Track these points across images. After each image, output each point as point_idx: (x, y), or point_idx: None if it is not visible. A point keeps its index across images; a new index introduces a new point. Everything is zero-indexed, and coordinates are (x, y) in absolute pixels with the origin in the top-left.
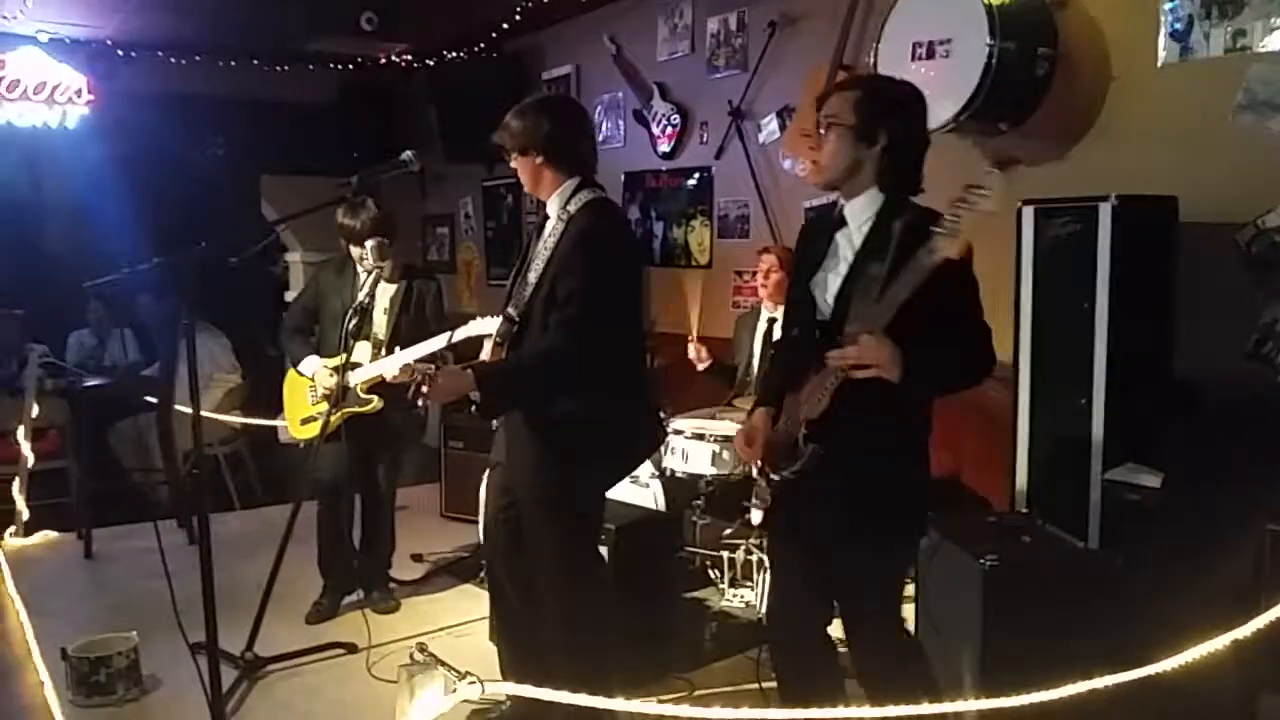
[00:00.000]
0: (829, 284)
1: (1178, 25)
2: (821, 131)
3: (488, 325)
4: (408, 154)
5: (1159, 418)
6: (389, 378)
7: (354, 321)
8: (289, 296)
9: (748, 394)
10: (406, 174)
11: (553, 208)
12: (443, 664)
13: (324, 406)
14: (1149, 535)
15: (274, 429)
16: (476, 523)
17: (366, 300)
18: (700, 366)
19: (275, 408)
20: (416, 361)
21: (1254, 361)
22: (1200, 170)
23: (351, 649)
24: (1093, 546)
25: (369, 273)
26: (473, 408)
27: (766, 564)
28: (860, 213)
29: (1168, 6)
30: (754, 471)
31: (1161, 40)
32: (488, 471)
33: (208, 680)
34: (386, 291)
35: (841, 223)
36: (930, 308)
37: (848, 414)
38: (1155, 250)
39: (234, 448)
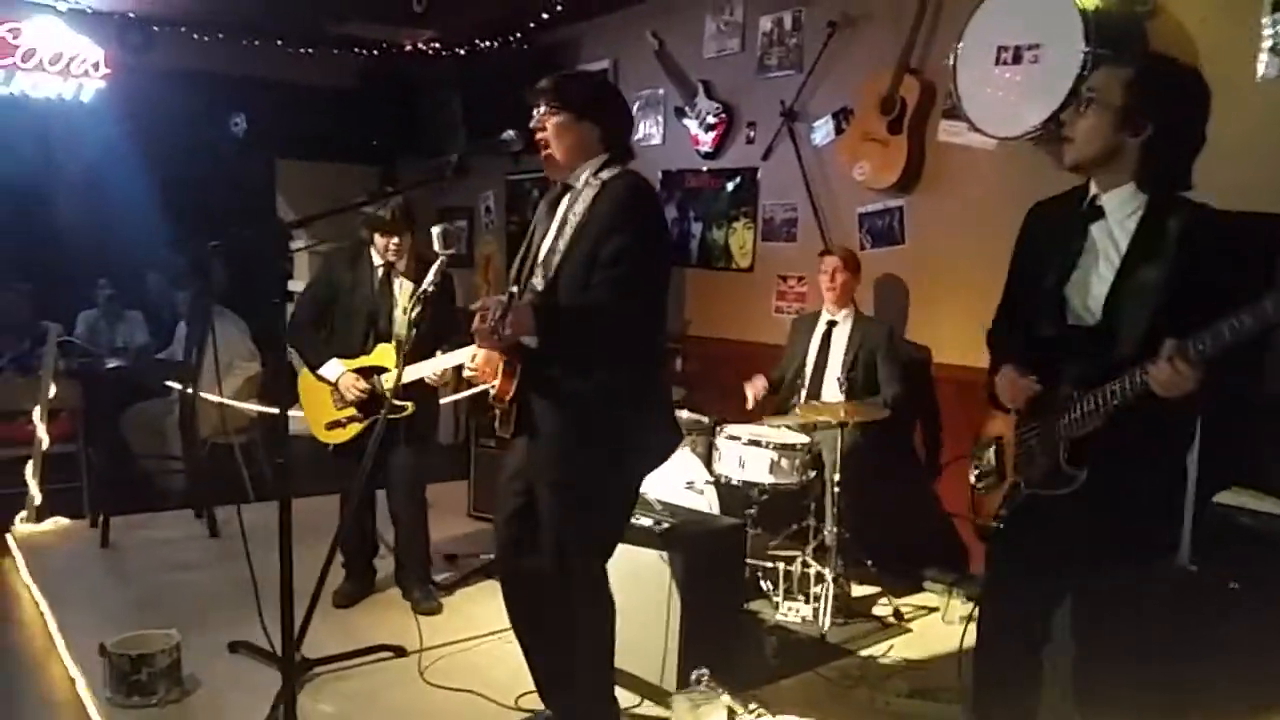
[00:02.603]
0: (1090, 285)
1: (1278, 39)
2: (1080, 107)
3: None
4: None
5: (1260, 440)
6: (430, 379)
7: (416, 311)
8: (292, 285)
9: (796, 401)
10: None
11: (581, 176)
12: (727, 692)
13: (352, 411)
14: (1272, 563)
15: (286, 418)
16: None
17: (431, 288)
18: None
19: (289, 397)
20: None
21: None
22: None
23: (400, 652)
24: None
25: (384, 265)
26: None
27: (829, 578)
28: (1122, 206)
29: (1268, 19)
30: (973, 479)
31: (1262, 55)
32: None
33: (282, 694)
34: (405, 289)
35: (1097, 214)
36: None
37: (1122, 437)
38: (1258, 268)
39: (250, 437)
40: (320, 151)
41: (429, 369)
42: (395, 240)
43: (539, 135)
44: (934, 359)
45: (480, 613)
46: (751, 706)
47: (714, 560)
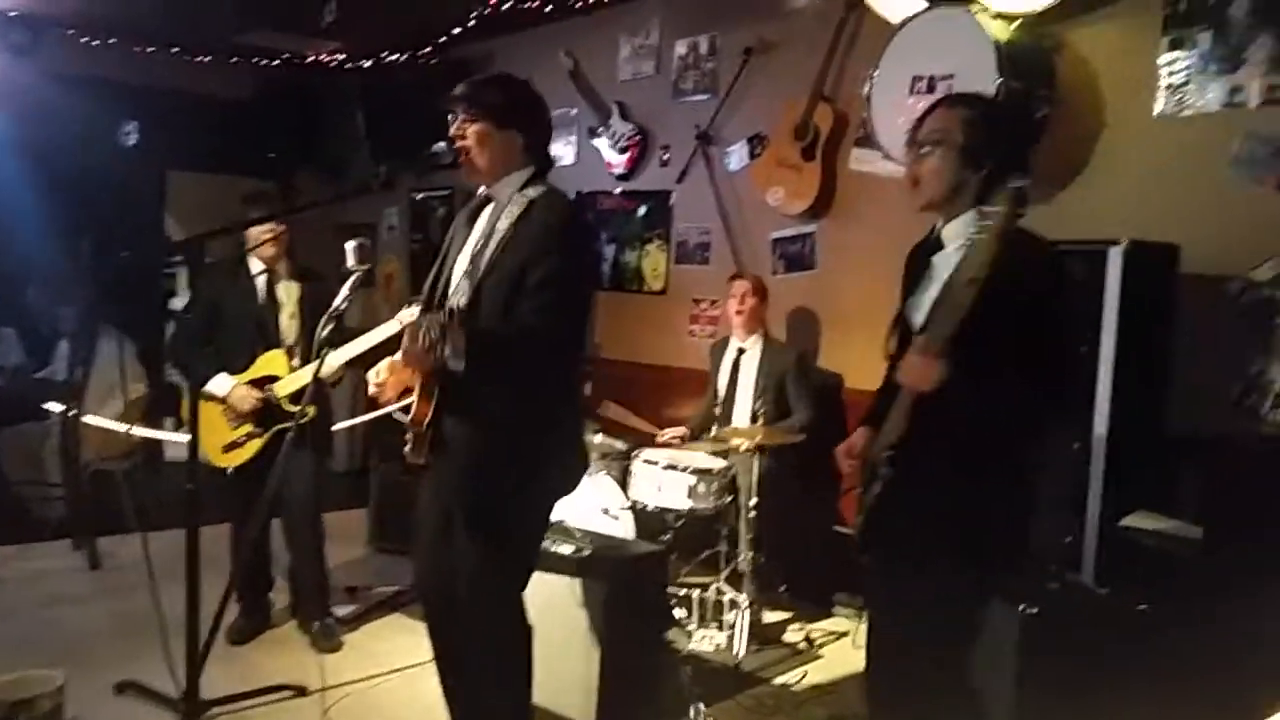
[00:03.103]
0: (921, 306)
1: (1174, 78)
2: (923, 149)
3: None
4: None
5: (1161, 465)
6: (326, 378)
7: (328, 329)
8: (175, 304)
9: (714, 428)
10: (334, 178)
11: (504, 190)
12: None
13: (249, 428)
14: (1182, 585)
15: (160, 444)
16: (409, 553)
17: (345, 305)
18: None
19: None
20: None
21: (1240, 412)
22: (1192, 221)
23: (301, 691)
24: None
25: (266, 270)
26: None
27: (744, 606)
28: (958, 235)
29: (1165, 58)
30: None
31: (1160, 92)
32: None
33: None
34: (291, 292)
35: (938, 245)
36: (992, 330)
37: (923, 438)
38: (1158, 296)
39: (134, 463)
40: (214, 164)
41: (307, 375)
42: (272, 231)
43: (459, 143)
44: (846, 384)
45: (385, 649)
46: None
47: (636, 587)
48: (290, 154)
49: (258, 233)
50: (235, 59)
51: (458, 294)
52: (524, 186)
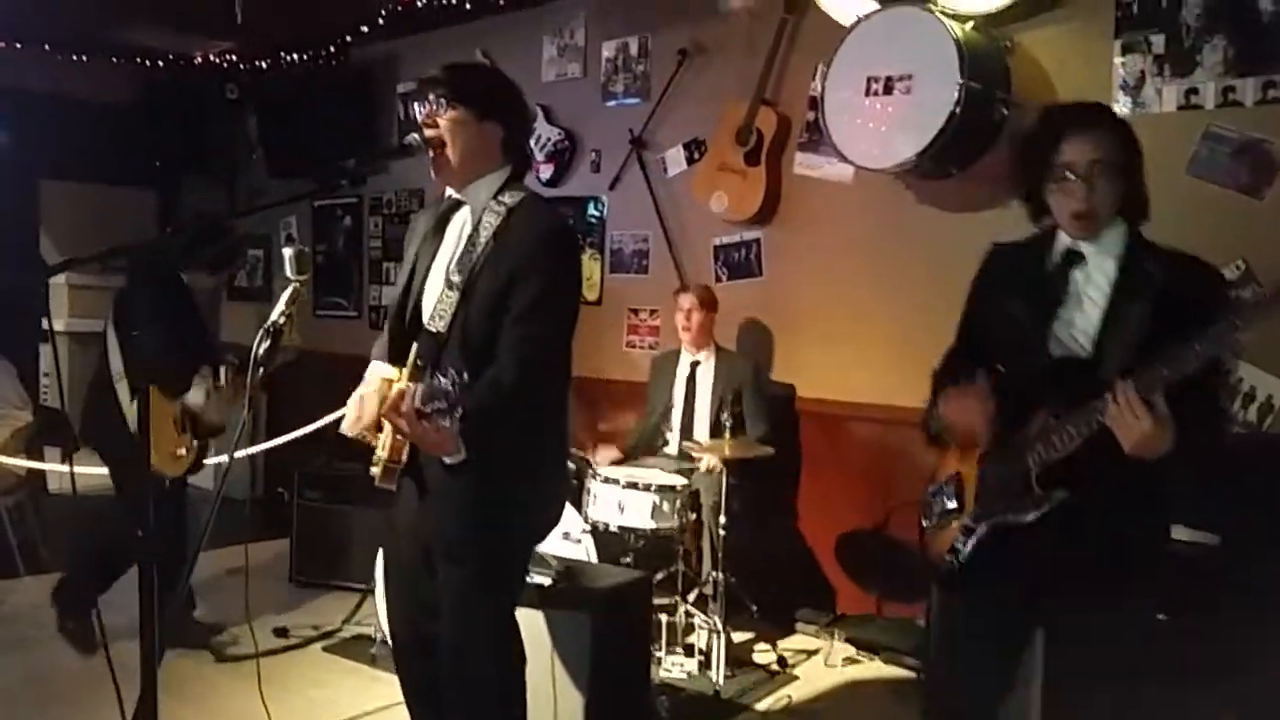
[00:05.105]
0: (1076, 321)
1: (1129, 80)
2: (1072, 176)
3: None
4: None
5: None
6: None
7: (264, 346)
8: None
9: (666, 443)
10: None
11: (478, 193)
12: None
13: (189, 440)
14: (1201, 591)
15: (45, 478)
16: (337, 588)
17: (283, 320)
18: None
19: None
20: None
21: None
22: (1156, 222)
23: None
24: None
25: None
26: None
27: (719, 628)
28: (1104, 250)
29: (1119, 60)
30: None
31: (1116, 94)
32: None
33: None
34: None
35: (1077, 259)
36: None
37: (1098, 463)
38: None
39: (17, 499)
40: (92, 173)
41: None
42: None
43: (430, 133)
44: (798, 394)
45: (330, 697)
46: None
47: (621, 616)
48: (177, 161)
49: None
50: (116, 59)
51: (436, 317)
52: (500, 190)
